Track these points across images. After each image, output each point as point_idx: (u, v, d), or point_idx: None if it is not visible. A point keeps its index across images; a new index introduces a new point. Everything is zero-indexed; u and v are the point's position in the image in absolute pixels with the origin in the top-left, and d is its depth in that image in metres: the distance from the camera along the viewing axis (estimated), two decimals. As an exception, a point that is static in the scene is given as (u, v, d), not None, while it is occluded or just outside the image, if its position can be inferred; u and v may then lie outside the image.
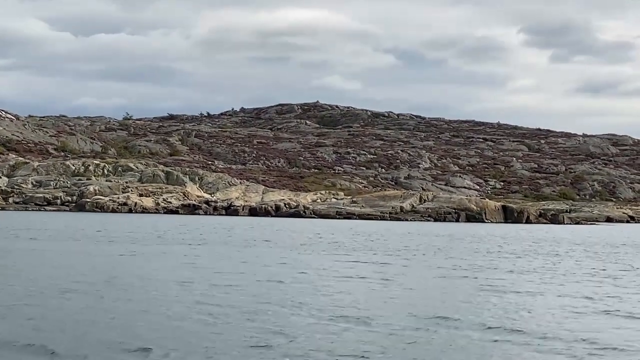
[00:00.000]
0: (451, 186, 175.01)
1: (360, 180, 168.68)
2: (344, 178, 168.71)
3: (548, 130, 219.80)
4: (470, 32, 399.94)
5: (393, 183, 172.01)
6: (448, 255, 40.70)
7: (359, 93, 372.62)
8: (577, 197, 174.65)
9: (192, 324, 16.56)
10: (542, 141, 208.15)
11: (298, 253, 38.60)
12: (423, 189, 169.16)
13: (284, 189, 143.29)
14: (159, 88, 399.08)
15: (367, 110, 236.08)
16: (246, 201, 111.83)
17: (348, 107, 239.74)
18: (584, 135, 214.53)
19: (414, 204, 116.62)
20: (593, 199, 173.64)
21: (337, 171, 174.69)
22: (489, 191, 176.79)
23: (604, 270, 34.46)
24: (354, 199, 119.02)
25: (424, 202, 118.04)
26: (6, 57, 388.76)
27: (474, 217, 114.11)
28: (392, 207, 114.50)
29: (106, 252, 35.71)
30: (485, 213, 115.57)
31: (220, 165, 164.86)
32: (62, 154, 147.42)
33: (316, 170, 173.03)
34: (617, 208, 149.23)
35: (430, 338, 15.65)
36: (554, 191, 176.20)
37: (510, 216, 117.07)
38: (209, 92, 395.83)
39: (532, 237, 67.38)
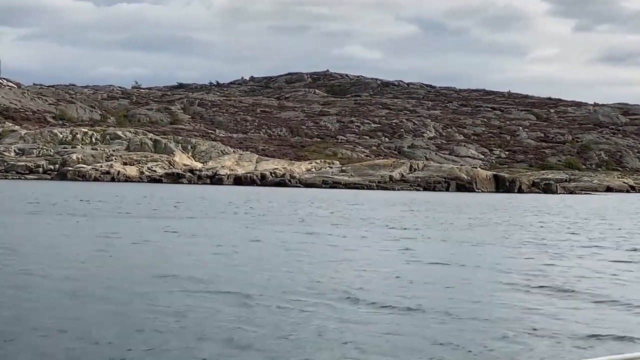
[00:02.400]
0: (455, 155, 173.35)
1: (362, 150, 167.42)
2: (346, 147, 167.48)
3: (559, 99, 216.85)
4: (493, 1, 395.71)
5: (396, 152, 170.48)
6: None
7: (379, 62, 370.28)
8: (583, 166, 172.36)
9: None
10: (552, 110, 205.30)
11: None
12: (427, 158, 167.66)
13: (283, 158, 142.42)
14: (179, 58, 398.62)
15: (377, 79, 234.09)
16: (231, 170, 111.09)
17: (358, 76, 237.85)
18: (595, 105, 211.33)
19: (404, 173, 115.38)
20: (599, 169, 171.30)
21: (339, 140, 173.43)
22: (493, 160, 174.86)
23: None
24: (344, 168, 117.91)
25: (414, 171, 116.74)
26: (28, 26, 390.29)
27: (464, 186, 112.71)
28: (381, 176, 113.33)
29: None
30: (476, 182, 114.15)
31: (221, 134, 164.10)
32: (60, 122, 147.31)
33: (318, 140, 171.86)
34: (618, 178, 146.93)
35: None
36: (559, 161, 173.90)
37: (502, 186, 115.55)
38: (227, 62, 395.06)
39: (490, 204, 66.13)
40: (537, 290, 18.66)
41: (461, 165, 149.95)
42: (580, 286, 19.45)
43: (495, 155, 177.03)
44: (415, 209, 57.27)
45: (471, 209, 61.30)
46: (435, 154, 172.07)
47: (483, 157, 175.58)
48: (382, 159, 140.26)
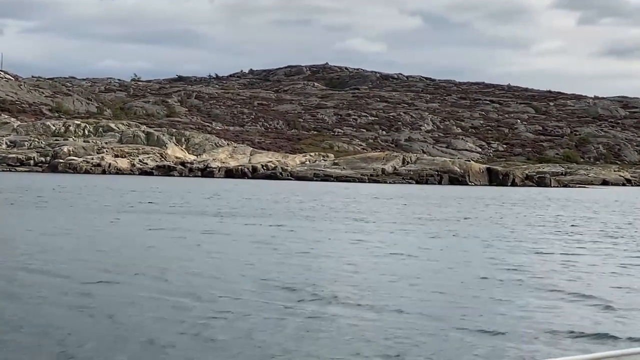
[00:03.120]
0: (452, 149, 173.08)
1: (359, 143, 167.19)
2: (343, 140, 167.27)
3: (558, 93, 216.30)
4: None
5: (393, 145, 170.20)
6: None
7: (382, 56, 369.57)
8: (581, 160, 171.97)
9: None
10: (551, 103, 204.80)
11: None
12: (423, 151, 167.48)
13: (279, 151, 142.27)
14: (181, 51, 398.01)
15: (376, 72, 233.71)
16: (223, 162, 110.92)
17: (357, 69, 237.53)
18: (595, 98, 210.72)
19: (396, 166, 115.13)
20: (597, 162, 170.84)
21: (336, 133, 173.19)
22: (491, 154, 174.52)
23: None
24: (336, 161, 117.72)
25: (407, 164, 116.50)
26: (31, 19, 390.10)
27: (457, 179, 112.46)
28: (374, 169, 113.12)
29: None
30: (469, 175, 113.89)
31: (217, 127, 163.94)
32: (56, 114, 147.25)
33: (315, 133, 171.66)
34: (614, 171, 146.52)
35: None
36: (557, 154, 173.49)
37: (495, 179, 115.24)
38: (229, 56, 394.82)
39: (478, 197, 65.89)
40: (500, 284, 18.51)
41: (458, 158, 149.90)
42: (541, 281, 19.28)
43: (493, 149, 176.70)
44: (393, 202, 57.12)
45: (454, 201, 61.12)
46: (433, 147, 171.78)
47: (481, 150, 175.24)
48: (376, 151, 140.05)
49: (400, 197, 66.56)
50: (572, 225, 39.49)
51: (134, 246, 23.97)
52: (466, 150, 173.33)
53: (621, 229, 38.38)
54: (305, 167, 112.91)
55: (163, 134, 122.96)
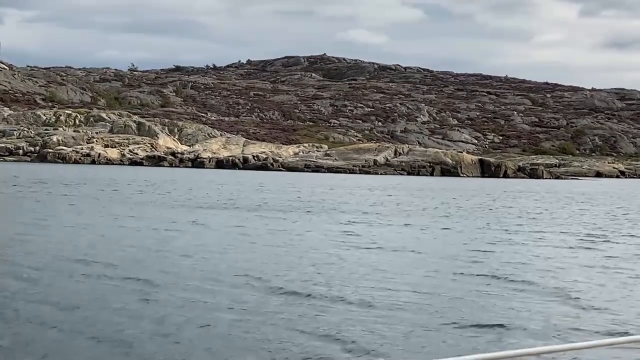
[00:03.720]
0: (448, 140, 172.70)
1: (355, 134, 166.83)
2: (339, 131, 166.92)
3: (556, 84, 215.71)
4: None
5: (389, 136, 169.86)
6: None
7: (383, 47, 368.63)
8: (577, 151, 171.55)
9: None
10: (548, 95, 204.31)
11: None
12: (419, 142, 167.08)
13: (274, 141, 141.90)
14: (182, 41, 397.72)
15: (374, 63, 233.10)
16: (214, 153, 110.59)
17: (355, 60, 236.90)
18: (592, 90, 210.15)
19: (388, 157, 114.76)
20: (593, 154, 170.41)
21: (332, 124, 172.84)
22: (486, 145, 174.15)
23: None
24: (328, 152, 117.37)
25: (399, 155, 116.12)
26: (32, 8, 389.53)
27: (449, 171, 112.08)
28: (365, 161, 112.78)
29: None
30: (461, 167, 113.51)
31: (212, 117, 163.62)
32: (50, 104, 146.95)
33: (311, 123, 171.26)
34: (608, 163, 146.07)
35: None
36: (553, 146, 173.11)
37: (487, 170, 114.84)
38: (230, 46, 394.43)
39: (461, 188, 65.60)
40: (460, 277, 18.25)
41: (453, 149, 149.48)
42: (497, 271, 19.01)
43: (489, 140, 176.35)
44: (372, 193, 56.86)
45: (433, 193, 60.83)
46: (428, 138, 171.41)
47: (476, 141, 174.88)
48: (371, 142, 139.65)
49: (382, 189, 66.31)
50: (532, 218, 39.20)
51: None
52: (462, 141, 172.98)
53: (582, 222, 38.08)
54: (297, 158, 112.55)
55: (156, 124, 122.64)
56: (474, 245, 24.84)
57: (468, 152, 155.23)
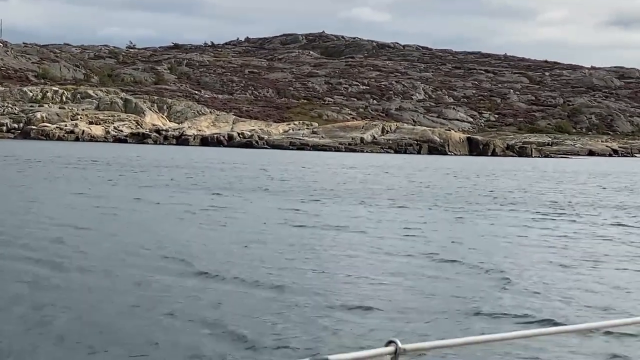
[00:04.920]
0: (443, 118, 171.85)
1: (349, 112, 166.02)
2: (332, 109, 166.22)
3: (555, 63, 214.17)
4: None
5: (384, 114, 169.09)
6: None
7: (388, 25, 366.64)
8: (573, 130, 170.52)
9: None
10: (547, 73, 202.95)
11: None
12: (414, 120, 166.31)
13: (266, 119, 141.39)
14: (186, 19, 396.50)
15: (372, 41, 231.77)
16: (199, 130, 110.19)
17: (354, 38, 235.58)
18: (592, 68, 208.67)
19: (376, 135, 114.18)
20: (589, 133, 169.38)
21: (326, 102, 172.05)
22: (482, 124, 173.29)
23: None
24: (315, 130, 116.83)
25: (386, 133, 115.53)
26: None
27: (436, 149, 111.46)
28: (352, 138, 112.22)
29: None
30: (448, 145, 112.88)
31: (205, 95, 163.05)
32: (42, 81, 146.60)
33: (305, 101, 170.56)
34: (602, 141, 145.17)
35: None
36: (549, 124, 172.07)
37: (475, 149, 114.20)
38: (233, 24, 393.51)
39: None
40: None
41: (448, 128, 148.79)
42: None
43: (485, 118, 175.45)
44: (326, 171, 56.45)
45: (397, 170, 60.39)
46: (424, 116, 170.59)
47: (472, 120, 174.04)
48: (365, 120, 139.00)
49: (354, 167, 65.90)
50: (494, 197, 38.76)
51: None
52: (457, 120, 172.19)
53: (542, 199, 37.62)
54: (282, 136, 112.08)
55: (144, 101, 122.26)
56: (418, 226, 24.33)
57: (463, 131, 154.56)
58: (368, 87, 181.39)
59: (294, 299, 13.07)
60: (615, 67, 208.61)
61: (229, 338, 10.69)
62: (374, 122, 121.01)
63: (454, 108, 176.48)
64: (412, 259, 17.57)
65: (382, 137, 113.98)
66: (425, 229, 23.40)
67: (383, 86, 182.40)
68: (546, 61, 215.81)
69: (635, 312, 12.61)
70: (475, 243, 20.59)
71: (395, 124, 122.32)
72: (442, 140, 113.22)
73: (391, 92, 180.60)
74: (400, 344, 3.08)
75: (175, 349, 10.22)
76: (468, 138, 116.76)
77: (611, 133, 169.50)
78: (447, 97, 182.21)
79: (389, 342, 3.11)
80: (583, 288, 14.92)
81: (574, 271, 16.80)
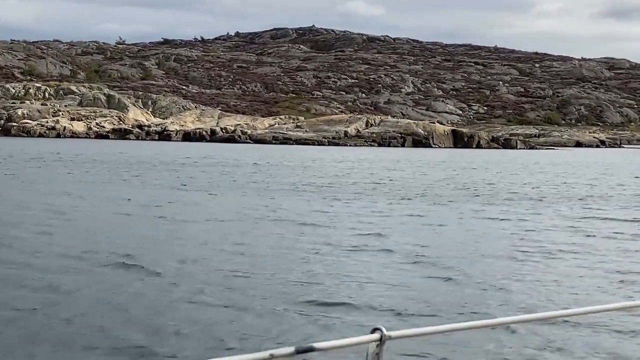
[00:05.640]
0: (432, 111, 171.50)
1: (337, 105, 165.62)
2: (321, 103, 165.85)
3: (545, 54, 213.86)
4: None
5: (372, 108, 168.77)
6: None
7: (382, 19, 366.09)
8: (562, 121, 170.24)
9: None
10: (537, 65, 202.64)
11: None
12: (402, 114, 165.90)
13: (254, 114, 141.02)
14: (184, 15, 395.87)
15: (362, 34, 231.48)
16: (182, 125, 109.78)
17: (344, 31, 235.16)
18: (582, 59, 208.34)
19: (360, 129, 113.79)
20: (579, 124, 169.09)
21: (315, 96, 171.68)
22: (471, 116, 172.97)
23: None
24: (299, 124, 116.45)
25: (370, 126, 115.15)
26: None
27: (420, 142, 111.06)
28: (336, 132, 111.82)
29: None
30: (432, 138, 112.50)
31: (193, 90, 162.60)
32: (28, 77, 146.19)
33: (293, 95, 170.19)
34: (589, 133, 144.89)
35: None
36: (538, 116, 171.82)
37: (460, 141, 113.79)
38: (231, 19, 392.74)
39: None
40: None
41: (437, 121, 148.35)
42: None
43: (474, 111, 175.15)
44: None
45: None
46: (412, 109, 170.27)
47: (461, 112, 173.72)
48: (354, 114, 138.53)
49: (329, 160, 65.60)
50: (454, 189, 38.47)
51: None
52: (446, 112, 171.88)
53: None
54: (266, 131, 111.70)
55: (128, 97, 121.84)
56: (375, 220, 24.02)
57: (452, 123, 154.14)
58: (357, 81, 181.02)
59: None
60: (605, 58, 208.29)
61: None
62: (358, 116, 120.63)
63: (442, 101, 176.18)
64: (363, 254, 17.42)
65: (366, 130, 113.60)
66: (385, 223, 23.14)
67: (372, 79, 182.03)
68: (536, 53, 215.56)
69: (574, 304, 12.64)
70: (428, 236, 20.44)
71: (379, 117, 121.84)
72: (426, 133, 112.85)
73: (380, 85, 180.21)
74: (385, 331, 3.12)
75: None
76: (453, 130, 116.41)
77: (600, 124, 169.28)
78: (436, 89, 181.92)
79: (374, 330, 3.15)
80: (526, 280, 14.88)
81: (523, 264, 16.70)
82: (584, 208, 29.37)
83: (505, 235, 20.98)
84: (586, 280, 14.98)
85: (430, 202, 30.25)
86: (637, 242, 20.18)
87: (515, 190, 37.13)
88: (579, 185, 42.09)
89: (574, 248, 18.95)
